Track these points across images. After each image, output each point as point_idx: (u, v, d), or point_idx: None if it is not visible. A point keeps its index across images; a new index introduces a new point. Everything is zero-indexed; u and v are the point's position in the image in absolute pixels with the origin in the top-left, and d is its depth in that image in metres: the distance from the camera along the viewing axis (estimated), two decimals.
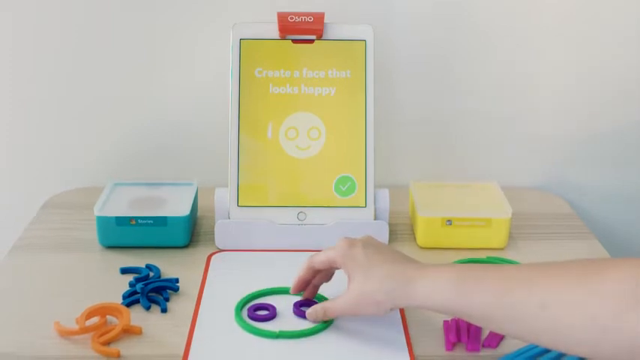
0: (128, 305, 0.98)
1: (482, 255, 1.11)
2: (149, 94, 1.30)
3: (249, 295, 0.99)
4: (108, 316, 0.95)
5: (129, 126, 1.31)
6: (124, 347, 0.90)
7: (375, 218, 1.12)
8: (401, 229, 1.18)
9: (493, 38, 1.27)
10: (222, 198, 1.11)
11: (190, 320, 0.95)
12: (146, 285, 1.00)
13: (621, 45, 1.28)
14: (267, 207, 1.11)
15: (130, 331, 0.92)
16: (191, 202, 1.13)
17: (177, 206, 1.13)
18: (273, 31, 1.12)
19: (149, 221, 1.10)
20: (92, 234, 1.12)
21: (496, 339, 0.92)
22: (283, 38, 1.12)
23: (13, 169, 1.34)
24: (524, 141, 1.33)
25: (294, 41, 1.13)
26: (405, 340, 0.92)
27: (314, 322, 0.93)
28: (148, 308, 0.97)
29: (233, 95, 1.12)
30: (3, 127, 1.31)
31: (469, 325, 0.93)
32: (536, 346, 0.89)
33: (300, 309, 0.96)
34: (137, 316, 0.96)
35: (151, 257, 1.08)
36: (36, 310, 0.97)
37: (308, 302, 0.96)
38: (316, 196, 1.12)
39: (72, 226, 1.17)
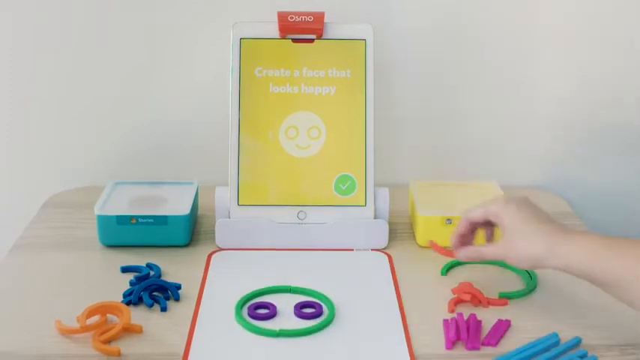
0: (128, 304, 0.98)
1: None
2: (149, 94, 1.30)
3: (249, 293, 0.99)
4: (108, 315, 0.95)
5: (129, 126, 1.31)
6: (125, 346, 0.90)
7: (375, 217, 1.12)
8: (401, 228, 1.18)
9: (493, 37, 1.27)
10: (223, 197, 1.11)
11: (190, 319, 0.95)
12: (148, 286, 1.00)
13: (620, 45, 1.28)
14: (268, 206, 1.11)
15: (130, 330, 0.93)
16: (191, 201, 1.14)
17: (177, 205, 1.13)
18: (274, 31, 1.12)
19: (149, 220, 1.10)
20: (93, 233, 1.12)
21: (496, 337, 0.92)
22: (283, 38, 1.12)
23: (13, 169, 1.34)
24: (524, 140, 1.33)
25: (294, 40, 1.13)
26: (404, 339, 0.92)
27: (462, 258, 0.99)
28: (150, 306, 0.97)
29: (233, 94, 1.12)
30: (3, 127, 1.31)
31: (469, 324, 0.94)
32: (531, 347, 0.90)
33: (301, 310, 0.96)
34: (137, 314, 0.96)
35: (152, 256, 1.09)
36: (37, 309, 0.97)
37: (308, 304, 0.97)
38: (316, 195, 1.12)
39: (73, 225, 1.17)
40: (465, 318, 0.95)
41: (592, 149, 1.34)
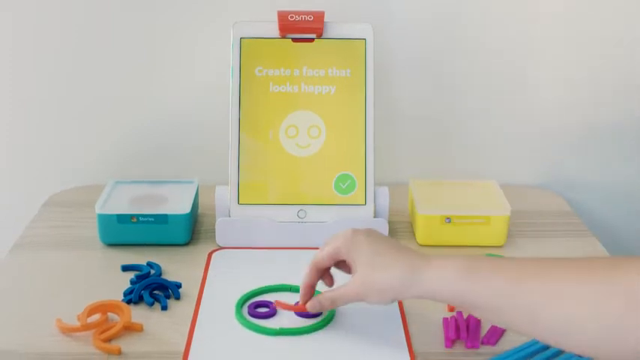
0: (129, 302, 0.98)
1: (481, 253, 1.11)
2: (149, 94, 1.30)
3: (249, 292, 0.99)
4: (109, 314, 0.95)
5: (129, 126, 1.31)
6: (125, 344, 0.90)
7: (375, 216, 1.13)
8: (400, 227, 1.19)
9: (492, 36, 1.27)
10: (223, 196, 1.11)
11: (191, 317, 0.95)
12: (149, 284, 1.00)
13: (619, 43, 1.28)
14: (268, 205, 1.12)
15: (131, 328, 0.93)
16: (192, 199, 1.14)
17: (178, 204, 1.13)
18: (274, 30, 1.12)
19: (150, 219, 1.10)
20: (93, 232, 1.12)
21: (495, 336, 0.92)
22: (283, 37, 1.13)
23: (13, 169, 1.34)
24: (524, 139, 1.33)
25: (295, 40, 1.13)
26: (404, 337, 0.92)
27: (318, 312, 0.92)
28: (151, 304, 0.98)
29: (233, 94, 1.12)
30: (3, 127, 1.31)
31: (468, 323, 0.94)
32: (530, 346, 0.90)
33: None
34: (138, 313, 0.96)
35: (152, 255, 1.09)
36: (38, 308, 0.97)
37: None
38: (316, 194, 1.12)
39: (73, 224, 1.18)
40: (465, 317, 0.95)
41: (592, 149, 1.34)
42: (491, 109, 1.31)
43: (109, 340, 0.91)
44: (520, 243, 1.15)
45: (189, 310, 0.97)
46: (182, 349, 0.90)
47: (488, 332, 0.93)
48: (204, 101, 1.29)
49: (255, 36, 1.13)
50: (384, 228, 1.12)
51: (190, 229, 1.13)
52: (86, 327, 0.91)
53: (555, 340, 0.76)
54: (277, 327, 0.92)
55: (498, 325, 0.92)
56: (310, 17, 1.12)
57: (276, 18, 1.12)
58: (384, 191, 1.13)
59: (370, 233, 0.90)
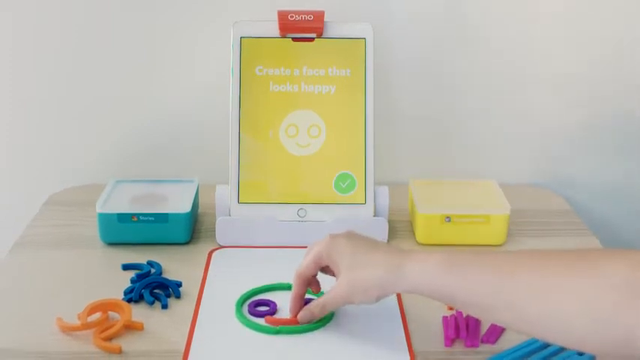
0: (129, 301, 0.98)
1: None
2: (149, 93, 1.30)
3: (249, 291, 0.99)
4: (109, 312, 0.95)
5: (129, 126, 1.31)
6: (126, 343, 0.90)
7: (375, 215, 1.13)
8: (400, 226, 1.19)
9: (491, 36, 1.28)
10: (223, 195, 1.12)
11: (191, 316, 0.96)
12: (149, 283, 1.00)
13: (619, 43, 1.28)
14: (268, 204, 1.12)
15: (131, 327, 0.93)
16: (192, 198, 1.14)
17: (178, 203, 1.13)
18: (274, 30, 1.13)
19: (150, 218, 1.10)
20: (94, 231, 1.12)
21: (494, 335, 0.92)
22: (283, 36, 1.13)
23: (13, 169, 1.34)
24: (524, 139, 1.33)
25: (295, 39, 1.13)
26: (404, 336, 0.92)
27: (310, 322, 0.92)
28: (151, 303, 0.98)
29: (233, 93, 1.12)
30: (3, 127, 1.31)
31: (468, 321, 0.94)
32: (530, 345, 0.89)
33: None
34: (138, 312, 0.96)
35: (153, 254, 1.09)
36: (38, 307, 0.97)
37: (308, 301, 0.96)
38: (316, 193, 1.12)
39: (74, 223, 1.18)
40: (464, 315, 0.95)
41: (592, 148, 1.34)
42: (491, 109, 1.32)
43: (109, 339, 0.91)
44: (520, 242, 1.15)
45: (190, 308, 0.97)
46: (182, 347, 0.90)
47: (487, 331, 0.93)
48: (204, 101, 1.29)
49: (255, 35, 1.13)
50: (383, 227, 1.12)
51: (191, 228, 1.13)
52: (86, 326, 0.92)
53: (542, 335, 0.76)
54: (277, 326, 0.92)
55: (482, 320, 0.92)
56: (310, 17, 1.12)
57: (276, 17, 1.12)
58: (384, 190, 1.13)
59: (349, 235, 0.90)
